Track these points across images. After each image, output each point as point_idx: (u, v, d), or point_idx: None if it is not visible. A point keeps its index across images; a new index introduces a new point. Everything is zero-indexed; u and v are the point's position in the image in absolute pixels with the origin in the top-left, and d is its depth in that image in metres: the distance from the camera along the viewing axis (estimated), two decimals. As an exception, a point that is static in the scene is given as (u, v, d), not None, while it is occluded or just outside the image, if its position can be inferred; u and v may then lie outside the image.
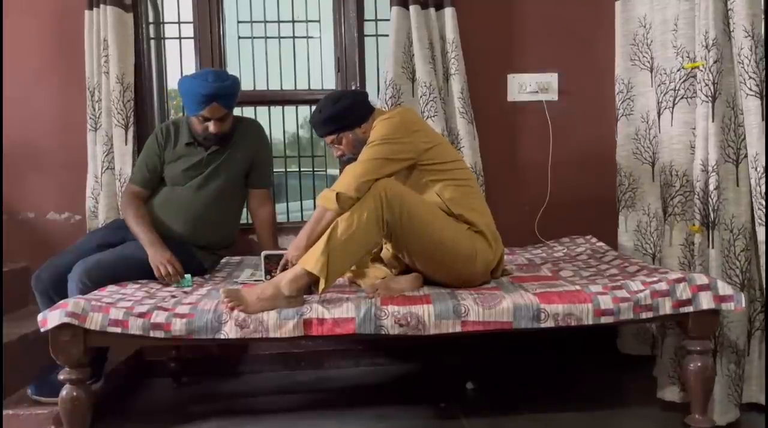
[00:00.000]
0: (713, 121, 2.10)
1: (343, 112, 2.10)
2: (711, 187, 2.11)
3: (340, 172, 2.23)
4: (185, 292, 2.05)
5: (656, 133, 2.52)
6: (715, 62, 2.09)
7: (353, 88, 2.93)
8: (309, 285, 1.88)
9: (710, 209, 2.11)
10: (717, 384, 2.08)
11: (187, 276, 2.20)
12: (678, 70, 2.26)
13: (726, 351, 2.13)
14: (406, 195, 1.95)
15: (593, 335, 2.51)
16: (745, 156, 2.15)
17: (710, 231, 2.12)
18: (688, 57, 2.24)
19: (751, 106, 2.07)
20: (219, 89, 2.23)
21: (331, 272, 1.83)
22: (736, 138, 2.15)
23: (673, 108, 2.30)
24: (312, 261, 1.83)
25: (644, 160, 2.62)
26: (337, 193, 1.90)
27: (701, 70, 2.14)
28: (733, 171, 2.16)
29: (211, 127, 2.27)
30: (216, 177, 2.36)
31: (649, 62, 2.58)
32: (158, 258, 2.17)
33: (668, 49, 2.33)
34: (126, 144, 2.70)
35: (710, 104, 2.11)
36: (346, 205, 1.91)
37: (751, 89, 2.06)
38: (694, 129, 2.21)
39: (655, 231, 2.57)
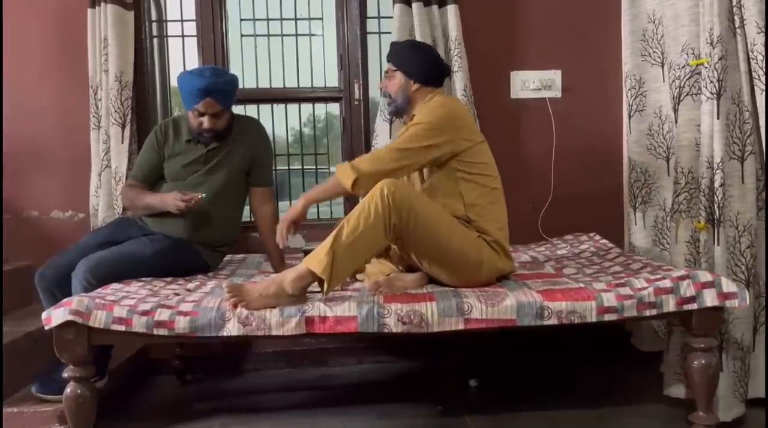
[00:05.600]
0: (718, 118, 2.09)
1: (417, 58, 2.15)
2: (717, 184, 2.10)
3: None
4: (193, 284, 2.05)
5: (670, 128, 2.50)
6: (720, 59, 2.08)
7: (356, 85, 2.93)
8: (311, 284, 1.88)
9: (716, 206, 2.10)
10: (722, 380, 2.08)
11: (202, 194, 2.23)
12: (683, 67, 2.25)
13: (731, 347, 2.12)
14: (415, 199, 1.93)
15: (604, 332, 2.51)
16: (751, 152, 2.14)
17: (716, 228, 2.11)
18: (692, 53, 2.22)
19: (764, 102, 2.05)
20: (213, 84, 2.25)
21: (335, 273, 1.83)
22: (741, 135, 2.14)
23: (678, 104, 2.29)
24: (316, 261, 1.82)
25: (659, 156, 2.61)
26: (356, 179, 1.94)
27: (706, 67, 2.13)
28: (738, 168, 2.15)
29: (205, 122, 2.28)
30: (217, 173, 2.36)
31: (660, 58, 2.57)
32: (170, 202, 2.22)
33: (679, 44, 2.32)
34: (122, 142, 2.70)
35: (715, 101, 2.09)
36: (361, 192, 1.95)
37: (765, 85, 2.04)
38: (699, 126, 2.20)
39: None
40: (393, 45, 2.26)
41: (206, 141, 2.36)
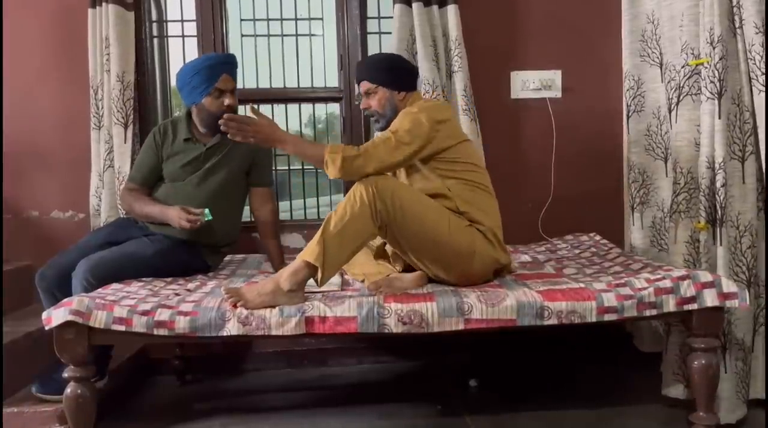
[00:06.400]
0: (719, 118, 2.09)
1: (393, 68, 2.19)
2: (718, 184, 2.09)
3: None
4: (188, 288, 2.05)
5: (668, 128, 2.51)
6: (720, 59, 2.08)
7: (356, 85, 2.92)
8: (308, 279, 1.88)
9: (717, 206, 2.10)
10: (726, 381, 2.08)
11: (205, 210, 2.22)
12: (682, 67, 2.25)
13: (733, 348, 2.12)
14: (398, 187, 1.95)
15: (605, 332, 2.51)
16: (751, 153, 2.13)
17: (717, 228, 2.10)
18: (692, 54, 2.22)
19: (764, 102, 2.05)
20: (225, 58, 2.36)
21: (328, 261, 1.84)
22: (741, 135, 2.14)
23: (677, 105, 2.29)
24: (308, 252, 1.85)
25: (657, 156, 2.61)
26: (339, 176, 1.93)
27: (705, 67, 2.13)
28: (739, 168, 2.15)
29: (228, 99, 2.30)
30: (216, 173, 2.36)
31: (658, 58, 2.57)
32: (173, 217, 2.21)
33: (676, 45, 2.32)
34: (125, 142, 2.70)
35: (716, 101, 2.09)
36: (339, 179, 1.98)
37: (764, 85, 2.04)
38: (698, 126, 2.20)
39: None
40: (361, 64, 2.28)
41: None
